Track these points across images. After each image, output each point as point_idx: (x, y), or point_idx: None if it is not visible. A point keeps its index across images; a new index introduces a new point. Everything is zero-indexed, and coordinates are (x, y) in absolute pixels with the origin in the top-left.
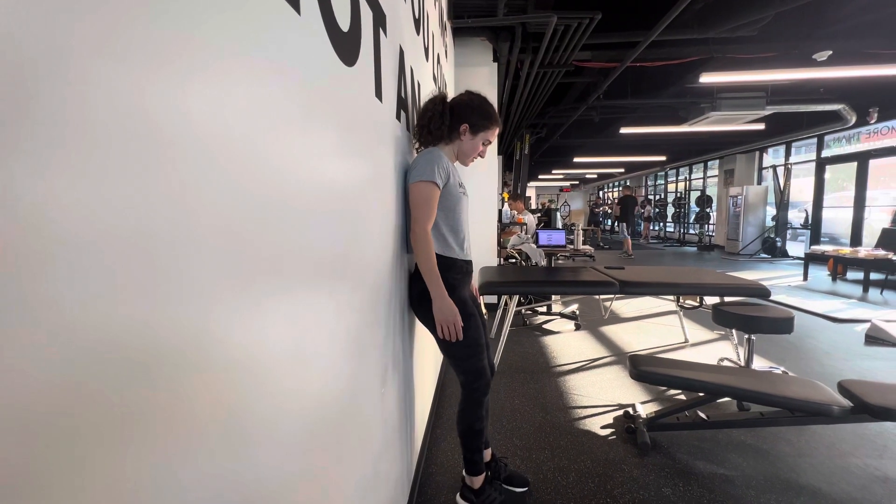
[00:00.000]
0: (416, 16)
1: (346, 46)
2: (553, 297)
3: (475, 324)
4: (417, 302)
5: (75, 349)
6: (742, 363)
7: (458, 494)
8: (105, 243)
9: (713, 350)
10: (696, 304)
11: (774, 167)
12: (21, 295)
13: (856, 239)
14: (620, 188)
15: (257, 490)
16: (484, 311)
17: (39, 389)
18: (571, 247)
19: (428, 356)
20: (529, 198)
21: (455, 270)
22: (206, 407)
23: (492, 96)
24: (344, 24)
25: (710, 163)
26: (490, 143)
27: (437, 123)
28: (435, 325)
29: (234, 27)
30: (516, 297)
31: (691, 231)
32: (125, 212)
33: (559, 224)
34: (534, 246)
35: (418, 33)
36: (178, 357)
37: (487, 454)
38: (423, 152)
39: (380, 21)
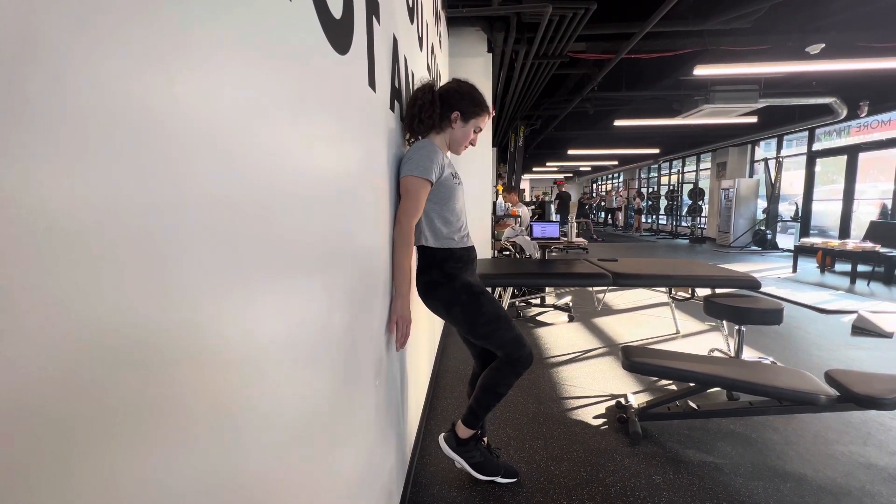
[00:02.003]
0: (410, 4)
1: (338, 34)
2: (546, 289)
3: (488, 299)
4: (424, 292)
5: (67, 343)
6: (732, 354)
7: (441, 435)
8: (96, 235)
9: (704, 341)
10: (688, 296)
11: (766, 160)
12: (10, 287)
13: (844, 231)
14: (554, 184)
15: (251, 482)
16: None
17: (33, 384)
18: (565, 239)
19: (422, 347)
20: (523, 190)
21: (454, 260)
22: (199, 400)
23: (486, 87)
24: (336, 10)
25: (702, 156)
26: (481, 130)
27: (429, 112)
28: (444, 313)
29: (223, 13)
30: (510, 290)
31: (683, 223)
32: (116, 204)
33: (553, 216)
34: (528, 238)
35: (412, 22)
36: (170, 350)
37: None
38: (417, 145)
39: (373, 9)
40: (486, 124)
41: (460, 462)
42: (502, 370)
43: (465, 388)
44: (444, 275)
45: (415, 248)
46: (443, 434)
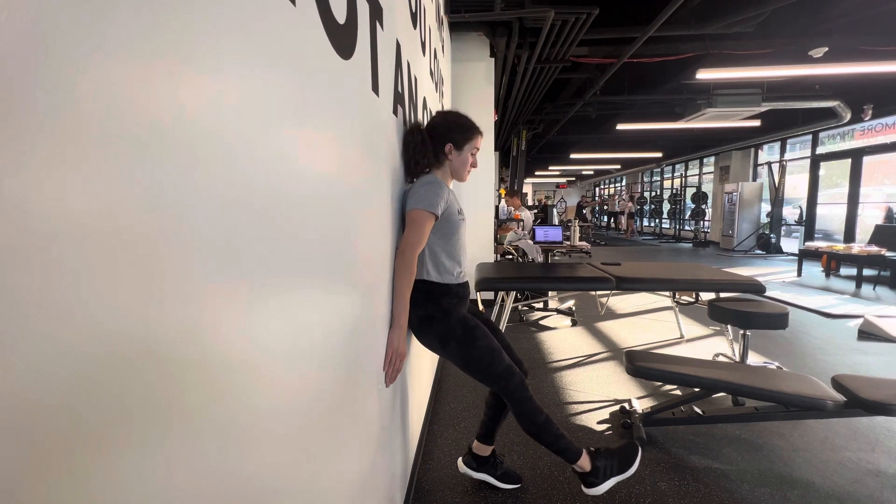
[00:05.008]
0: (413, 10)
1: (342, 39)
2: (549, 293)
3: (481, 333)
4: (417, 328)
5: (71, 347)
6: (737, 358)
7: (582, 486)
8: (100, 238)
9: (708, 345)
10: (692, 300)
11: (769, 164)
12: (15, 291)
13: (849, 235)
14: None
15: (254, 487)
16: (481, 307)
17: (36, 386)
18: (568, 243)
19: (424, 353)
20: (526, 194)
21: (451, 296)
22: (202, 405)
23: (489, 92)
24: (340, 16)
25: (705, 159)
26: (478, 150)
27: (422, 151)
28: (438, 348)
29: (228, 18)
30: (513, 294)
31: (687, 227)
32: (121, 208)
33: (555, 220)
34: (530, 242)
35: (415, 27)
36: (173, 355)
37: (488, 450)
38: (423, 179)
39: (376, 14)
40: (484, 142)
41: (605, 486)
42: (520, 411)
43: (467, 391)
44: (440, 310)
45: None
46: (582, 485)
